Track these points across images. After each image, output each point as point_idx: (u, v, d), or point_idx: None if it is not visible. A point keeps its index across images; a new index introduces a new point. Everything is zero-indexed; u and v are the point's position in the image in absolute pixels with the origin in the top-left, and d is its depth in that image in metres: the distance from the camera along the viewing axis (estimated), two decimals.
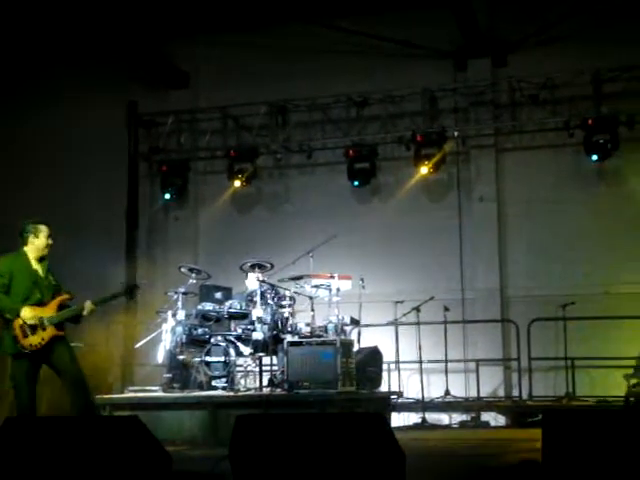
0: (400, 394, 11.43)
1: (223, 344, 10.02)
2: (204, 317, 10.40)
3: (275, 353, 10.03)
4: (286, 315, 10.13)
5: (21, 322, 6.92)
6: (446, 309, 11.73)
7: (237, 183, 13.16)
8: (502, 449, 7.88)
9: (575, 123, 12.03)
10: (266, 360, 10.30)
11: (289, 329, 10.04)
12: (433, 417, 11.55)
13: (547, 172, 12.80)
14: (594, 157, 11.91)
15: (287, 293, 10.22)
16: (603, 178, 12.49)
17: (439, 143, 12.36)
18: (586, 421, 4.94)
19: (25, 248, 7.15)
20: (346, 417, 5.37)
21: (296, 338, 9.83)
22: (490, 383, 12.33)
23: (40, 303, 7.03)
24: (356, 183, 12.81)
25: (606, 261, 12.25)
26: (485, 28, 12.81)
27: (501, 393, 12.40)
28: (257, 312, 9.98)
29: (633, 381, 10.99)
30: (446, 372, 11.88)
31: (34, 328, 6.93)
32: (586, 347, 11.83)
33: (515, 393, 12.15)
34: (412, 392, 11.87)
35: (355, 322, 10.49)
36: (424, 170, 12.50)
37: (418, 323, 11.54)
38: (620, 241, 12.19)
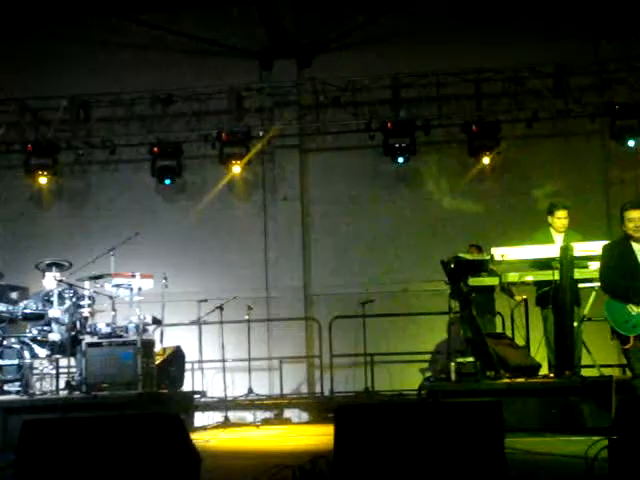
0: (203, 393, 11.39)
1: (17, 346, 9.61)
2: None
3: (73, 355, 9.73)
4: (85, 315, 9.85)
5: None
6: (250, 308, 11.79)
7: (37, 179, 12.63)
8: (300, 446, 8.03)
9: (375, 126, 12.38)
10: (64, 362, 9.97)
11: (88, 330, 9.76)
12: (237, 415, 11.58)
13: (350, 173, 13.14)
14: (400, 159, 12.25)
15: (86, 293, 9.94)
16: (402, 180, 12.96)
17: (244, 142, 12.39)
18: (376, 415, 5.10)
19: None
20: (141, 419, 5.26)
21: (95, 339, 9.58)
22: (293, 380, 12.52)
23: None
24: (167, 181, 12.60)
25: (405, 260, 12.71)
26: (291, 29, 12.99)
27: (304, 390, 12.61)
28: (54, 312, 9.67)
29: (427, 375, 11.45)
30: (249, 370, 11.95)
31: None
32: (385, 343, 12.25)
33: (318, 389, 12.41)
34: (216, 391, 11.85)
35: (157, 322, 10.34)
36: (231, 169, 12.49)
37: (221, 322, 11.53)
38: (418, 241, 12.70)
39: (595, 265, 8.99)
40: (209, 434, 9.59)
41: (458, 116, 12.24)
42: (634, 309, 7.15)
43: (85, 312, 9.85)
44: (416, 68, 12.38)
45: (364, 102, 12.61)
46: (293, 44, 13.08)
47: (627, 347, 7.15)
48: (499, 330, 10.86)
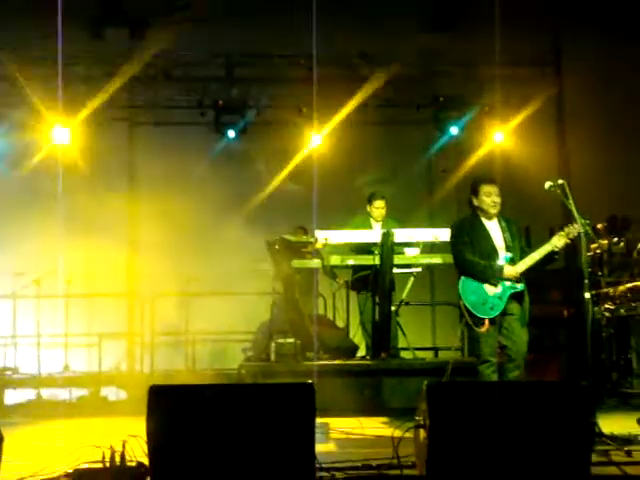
0: (15, 370, 11.01)
1: None
2: None
3: None
4: None
5: None
6: (68, 282, 11.46)
7: None
8: (114, 425, 7.90)
9: (207, 103, 12.28)
10: None
11: None
12: (51, 393, 11.23)
13: (179, 149, 12.91)
14: (230, 138, 12.26)
15: None
16: (232, 159, 12.89)
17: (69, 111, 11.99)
18: (188, 395, 5.07)
19: None
20: None
21: None
22: (113, 357, 12.28)
23: None
24: None
25: (231, 239, 12.58)
26: None
27: (124, 368, 12.39)
28: None
29: (249, 355, 11.51)
30: (66, 346, 11.63)
31: None
32: (208, 322, 12.19)
33: (137, 367, 12.23)
34: (30, 367, 11.45)
35: None
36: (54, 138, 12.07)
37: (38, 296, 11.15)
38: (245, 221, 12.58)
39: (411, 251, 9.32)
40: (18, 412, 9.27)
41: (290, 98, 12.31)
42: (491, 290, 6.89)
43: None
44: (251, 49, 12.36)
45: (197, 78, 12.47)
46: (126, 14, 12.73)
47: (482, 330, 6.82)
48: (321, 312, 11.05)
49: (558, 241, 6.84)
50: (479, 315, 6.87)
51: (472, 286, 6.95)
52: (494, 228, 7.07)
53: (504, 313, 6.91)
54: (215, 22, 12.66)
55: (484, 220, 7.06)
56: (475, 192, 7.05)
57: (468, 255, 6.98)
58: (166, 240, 12.73)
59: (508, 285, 6.97)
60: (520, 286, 6.96)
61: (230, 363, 11.69)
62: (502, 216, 7.14)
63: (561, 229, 6.86)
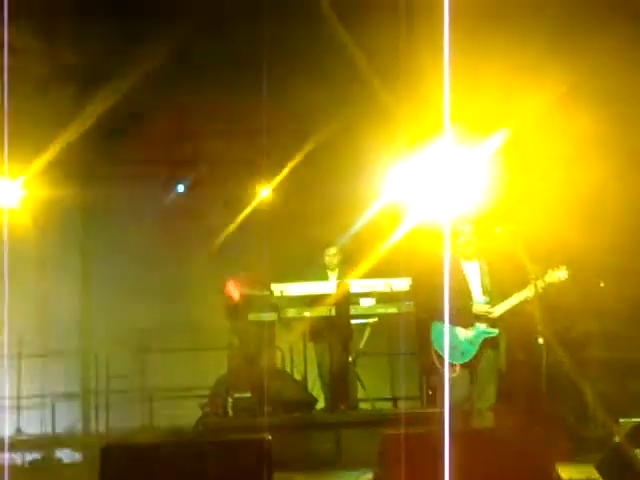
0: None
1: None
2: None
3: None
4: None
5: None
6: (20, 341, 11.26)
7: None
8: None
9: (159, 158, 12.36)
10: None
11: None
12: (5, 457, 10.92)
13: (131, 203, 12.77)
14: (179, 190, 12.46)
15: None
16: (183, 212, 12.77)
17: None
18: (143, 454, 4.99)
19: None
20: None
21: None
22: (67, 418, 12.02)
23: None
24: None
25: (187, 293, 12.52)
26: None
27: (79, 428, 12.14)
28: None
29: (206, 410, 11.35)
30: (18, 408, 11.37)
31: None
32: (166, 378, 12.02)
33: (93, 427, 11.98)
34: None
35: None
36: None
37: None
38: (200, 272, 12.53)
39: (367, 301, 9.30)
40: None
41: (241, 152, 12.35)
42: (463, 333, 6.87)
43: None
44: (203, 102, 12.37)
45: (148, 133, 12.44)
46: (75, 71, 12.68)
47: (453, 375, 6.74)
48: (278, 365, 10.94)
49: (530, 291, 6.86)
50: (449, 360, 6.81)
51: (442, 331, 6.87)
52: (473, 271, 7.06)
53: (477, 359, 6.88)
54: (167, 76, 12.66)
55: (463, 262, 7.02)
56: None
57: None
58: (118, 298, 12.57)
59: (482, 329, 6.94)
60: (495, 331, 6.93)
61: (187, 419, 11.51)
62: (486, 260, 7.09)
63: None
